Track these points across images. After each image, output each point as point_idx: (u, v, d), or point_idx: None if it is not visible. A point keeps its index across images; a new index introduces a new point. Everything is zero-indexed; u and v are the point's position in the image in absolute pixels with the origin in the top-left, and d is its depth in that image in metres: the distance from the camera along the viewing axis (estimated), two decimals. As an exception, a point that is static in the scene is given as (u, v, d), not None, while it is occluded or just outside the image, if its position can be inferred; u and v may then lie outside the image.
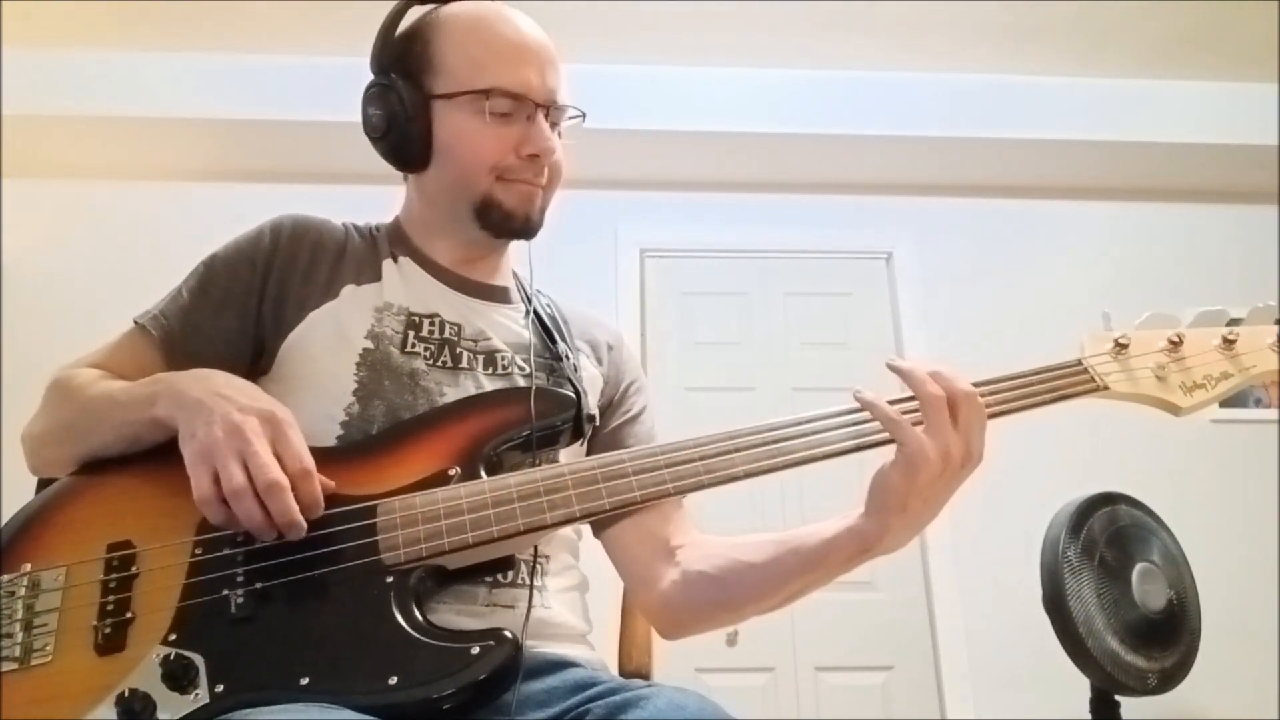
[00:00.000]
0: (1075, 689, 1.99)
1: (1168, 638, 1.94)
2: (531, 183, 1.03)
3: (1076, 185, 3.53)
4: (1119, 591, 1.93)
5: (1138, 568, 1.96)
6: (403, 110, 1.00)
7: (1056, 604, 1.90)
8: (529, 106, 1.01)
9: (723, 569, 0.96)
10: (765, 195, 3.49)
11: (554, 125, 1.04)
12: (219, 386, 0.83)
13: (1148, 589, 1.94)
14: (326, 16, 2.95)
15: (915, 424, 0.81)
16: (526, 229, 1.05)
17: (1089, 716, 1.99)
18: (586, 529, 1.08)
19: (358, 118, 1.06)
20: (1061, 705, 2.26)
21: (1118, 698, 1.96)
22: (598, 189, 3.23)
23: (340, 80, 3.07)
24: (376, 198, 1.25)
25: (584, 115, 1.07)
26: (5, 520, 0.84)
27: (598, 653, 1.01)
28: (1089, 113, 3.31)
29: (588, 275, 3.17)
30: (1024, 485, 2.78)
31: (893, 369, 0.84)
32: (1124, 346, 0.93)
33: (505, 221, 1.03)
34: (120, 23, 3.00)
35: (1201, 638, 1.99)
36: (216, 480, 0.77)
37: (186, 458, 0.79)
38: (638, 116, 3.19)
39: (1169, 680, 1.90)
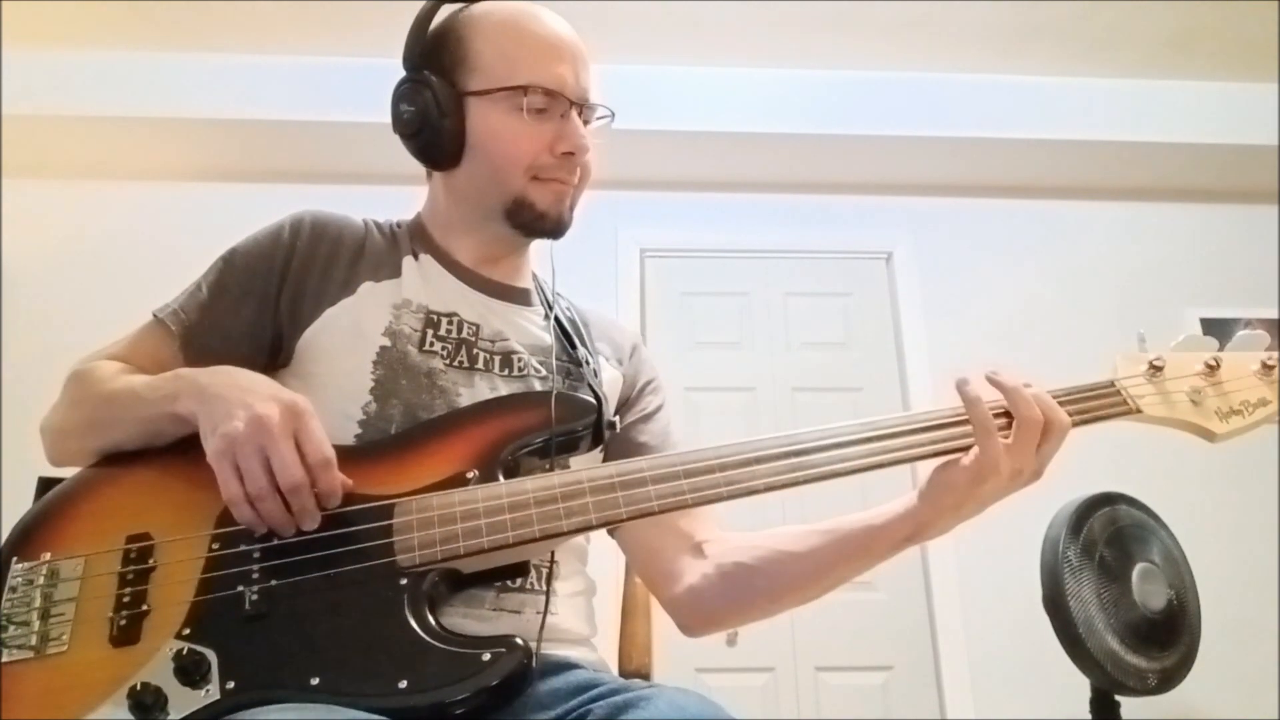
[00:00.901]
0: (1075, 689, 1.99)
1: (1168, 638, 1.93)
2: (565, 181, 1.03)
3: (1076, 185, 3.53)
4: (1119, 591, 1.92)
5: (1138, 568, 1.96)
6: (436, 107, 0.99)
7: (1056, 604, 1.89)
8: (563, 104, 1.00)
9: (763, 559, 0.96)
10: (765, 195, 3.49)
11: (585, 124, 1.03)
12: (240, 382, 0.83)
13: (1148, 589, 1.94)
14: (328, 17, 2.95)
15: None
16: (557, 229, 1.04)
17: (1089, 716, 1.99)
18: (595, 532, 1.08)
19: (359, 117, 1.06)
20: (1061, 705, 2.26)
21: (1118, 698, 1.96)
22: (598, 189, 3.20)
23: (342, 80, 3.08)
24: (378, 198, 1.25)
25: (613, 115, 1.06)
26: (12, 518, 0.83)
27: (598, 654, 1.01)
28: (1089, 113, 3.31)
29: (588, 275, 3.14)
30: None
31: (994, 384, 0.85)
32: (1159, 369, 0.91)
33: (536, 221, 1.02)
34: (120, 23, 2.99)
35: (1201, 638, 1.99)
36: (243, 479, 0.77)
37: (209, 454, 0.79)
38: (638, 116, 3.17)
39: (1169, 680, 1.90)
